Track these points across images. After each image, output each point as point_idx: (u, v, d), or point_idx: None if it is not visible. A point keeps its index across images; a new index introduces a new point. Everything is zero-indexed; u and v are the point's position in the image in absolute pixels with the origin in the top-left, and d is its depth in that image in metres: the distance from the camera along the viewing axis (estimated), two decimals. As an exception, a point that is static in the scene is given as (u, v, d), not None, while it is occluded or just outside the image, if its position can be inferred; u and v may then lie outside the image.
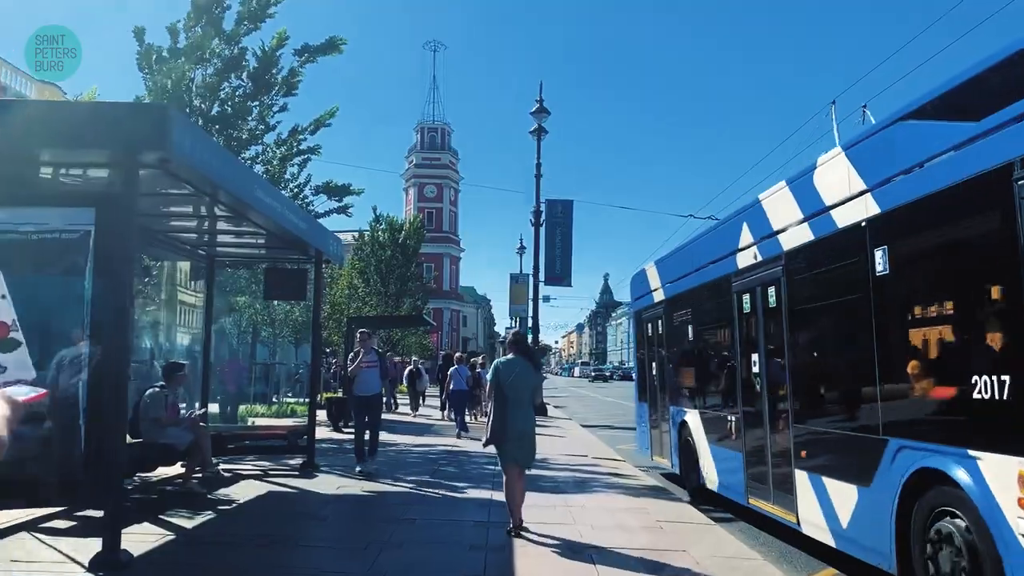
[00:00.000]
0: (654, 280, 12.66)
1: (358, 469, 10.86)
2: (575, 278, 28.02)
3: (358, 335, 11.62)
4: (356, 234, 44.08)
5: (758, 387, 8.26)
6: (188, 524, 7.59)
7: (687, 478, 10.74)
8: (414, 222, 46.03)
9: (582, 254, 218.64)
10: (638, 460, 14.37)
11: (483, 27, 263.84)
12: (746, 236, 8.70)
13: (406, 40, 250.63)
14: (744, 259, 8.69)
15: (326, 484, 10.20)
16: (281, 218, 8.84)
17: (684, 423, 10.76)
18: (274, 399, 24.73)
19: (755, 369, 8.36)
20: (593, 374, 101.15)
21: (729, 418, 9.15)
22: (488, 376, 8.00)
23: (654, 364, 12.83)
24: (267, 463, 11.63)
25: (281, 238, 9.99)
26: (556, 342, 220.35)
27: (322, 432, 17.11)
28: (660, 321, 12.20)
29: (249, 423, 17.62)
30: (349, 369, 11.60)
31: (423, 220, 49.33)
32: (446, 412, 23.14)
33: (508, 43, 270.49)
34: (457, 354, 23.59)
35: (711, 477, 9.78)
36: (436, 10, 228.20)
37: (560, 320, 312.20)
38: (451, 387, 19.13)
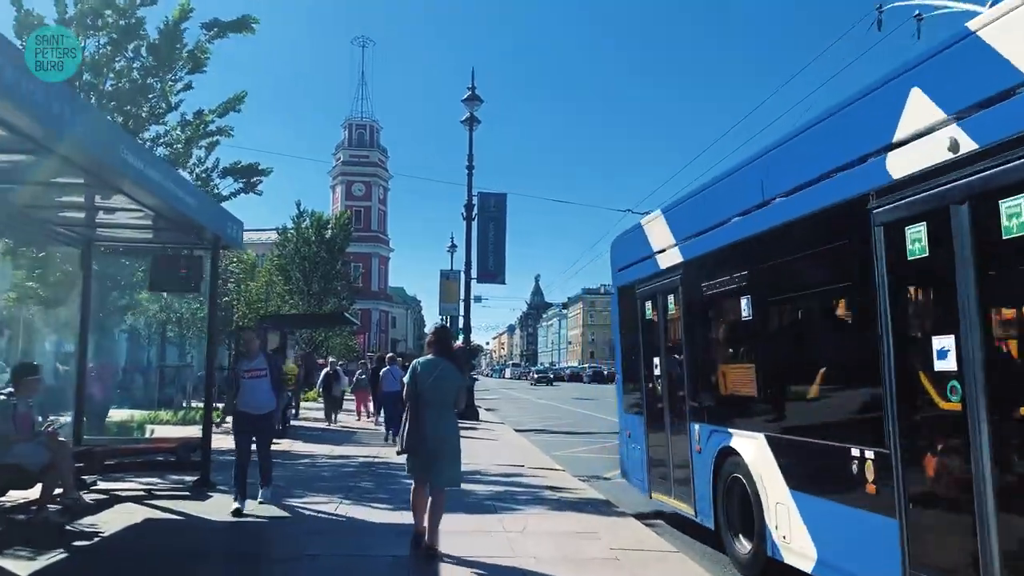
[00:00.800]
0: (661, 238, 8.93)
1: (260, 500, 8.98)
2: (507, 278, 26.75)
3: (243, 337, 9.37)
4: (278, 232, 42.16)
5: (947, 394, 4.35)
6: (23, 570, 5.98)
7: (732, 538, 7.07)
8: (340, 218, 44.27)
9: (515, 255, 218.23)
10: (577, 469, 13.16)
11: (412, 24, 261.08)
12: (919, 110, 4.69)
13: (332, 33, 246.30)
14: (917, 155, 4.64)
15: (219, 508, 8.65)
16: (162, 191, 7.29)
17: (730, 454, 7.02)
18: (184, 404, 22.82)
19: (944, 363, 4.36)
20: (536, 376, 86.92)
21: (856, 453, 5.10)
22: (405, 377, 6.98)
23: (657, 360, 8.99)
24: (157, 480, 10.02)
25: (169, 218, 8.43)
26: (487, 343, 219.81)
27: (229, 442, 15.45)
28: (673, 296, 8.51)
29: (148, 433, 15.86)
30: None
31: (351, 217, 47.33)
32: (377, 416, 22.61)
33: (438, 41, 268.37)
34: (390, 354, 22.29)
35: (799, 548, 5.86)
36: (363, 5, 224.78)
37: (491, 321, 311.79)
38: (383, 388, 18.00)
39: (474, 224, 24.72)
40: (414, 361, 7.08)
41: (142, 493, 9.17)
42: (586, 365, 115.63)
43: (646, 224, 9.50)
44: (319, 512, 8.62)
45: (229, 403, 8.93)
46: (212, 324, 9.56)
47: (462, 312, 25.28)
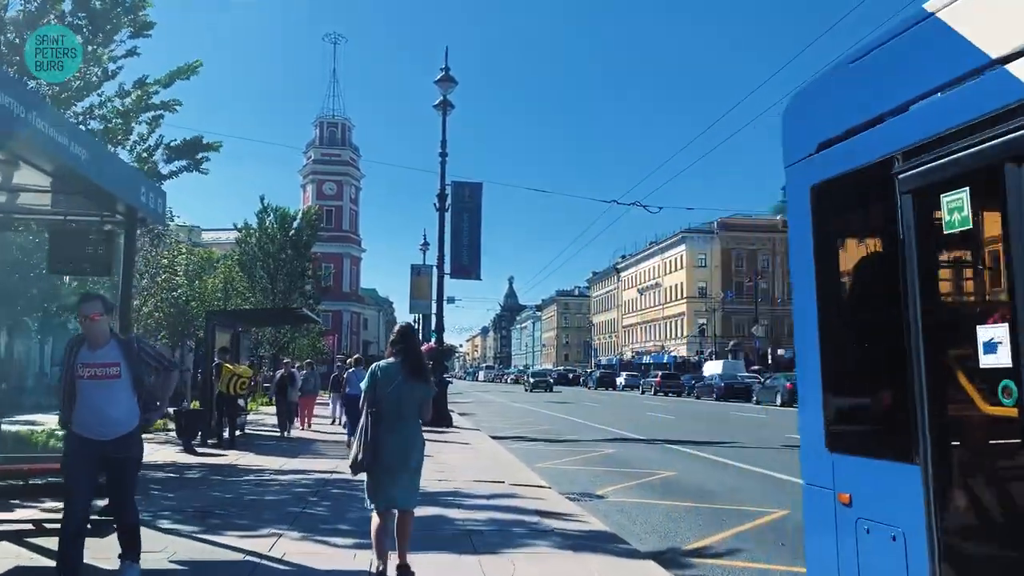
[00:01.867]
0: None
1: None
2: (481, 279, 24.95)
3: (81, 311, 5.58)
4: (237, 228, 40.12)
5: None
6: None
7: None
8: (308, 214, 42.23)
9: (489, 256, 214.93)
10: (564, 485, 11.49)
11: (385, 18, 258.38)
12: None
13: (304, 30, 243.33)
14: None
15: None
16: (46, 142, 5.51)
17: None
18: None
19: None
20: (532, 380, 73.34)
21: None
22: (363, 383, 5.99)
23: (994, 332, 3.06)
24: (58, 504, 8.18)
25: (63, 180, 6.64)
26: (460, 345, 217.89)
27: (165, 454, 13.61)
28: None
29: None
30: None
31: (319, 214, 45.33)
32: (340, 421, 21.12)
33: (411, 38, 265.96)
34: (355, 356, 20.52)
35: None
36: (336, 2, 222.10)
37: (464, 323, 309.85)
38: (346, 391, 16.57)
39: (447, 215, 23.00)
40: (374, 365, 6.08)
41: (29, 527, 7.33)
42: (565, 368, 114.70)
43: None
44: (256, 548, 6.81)
45: (64, 416, 5.53)
46: (125, 316, 7.74)
47: (435, 310, 23.52)
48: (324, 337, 59.43)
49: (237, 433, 16.52)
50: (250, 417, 21.42)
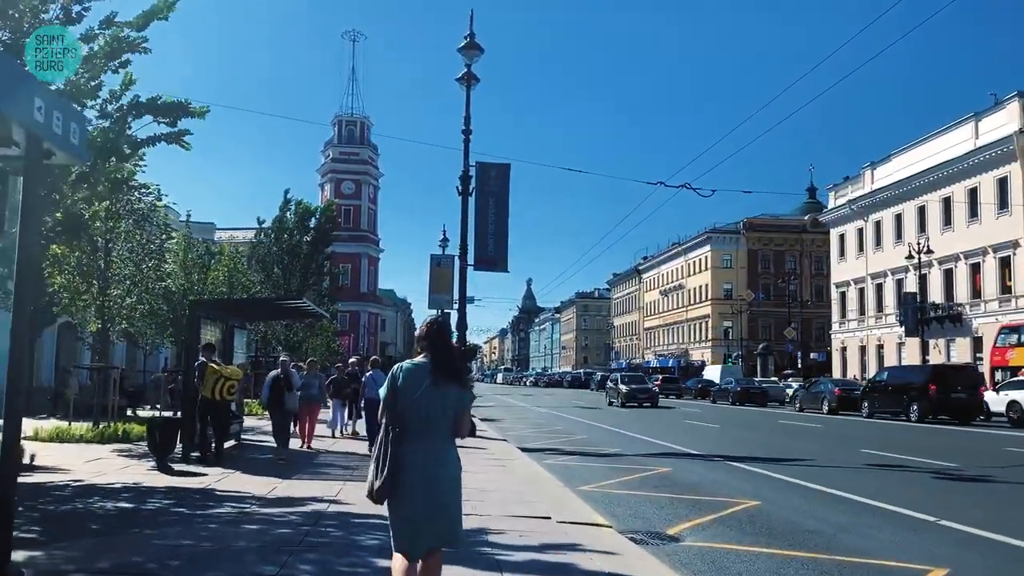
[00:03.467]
0: None
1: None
2: (500, 280, 22.29)
3: None
4: (258, 221, 38.08)
5: None
6: None
7: None
8: (328, 208, 40.15)
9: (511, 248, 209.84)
10: (624, 518, 9.11)
11: (406, 13, 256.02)
12: None
13: (321, 27, 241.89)
14: None
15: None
16: None
17: None
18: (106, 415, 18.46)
19: None
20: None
21: None
22: (382, 389, 4.63)
23: None
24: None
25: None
26: (479, 347, 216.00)
27: (132, 473, 11.21)
28: None
29: (28, 459, 11.62)
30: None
31: (336, 210, 43.20)
32: (352, 428, 19.58)
33: (435, 30, 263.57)
34: (373, 357, 18.37)
35: None
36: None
37: (482, 324, 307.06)
38: (365, 394, 14.93)
39: (470, 200, 20.53)
40: (395, 366, 4.73)
41: None
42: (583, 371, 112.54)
43: None
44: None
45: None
46: (21, 288, 5.38)
47: (457, 306, 21.04)
48: (339, 337, 57.23)
49: (229, 444, 14.16)
50: (250, 423, 19.02)
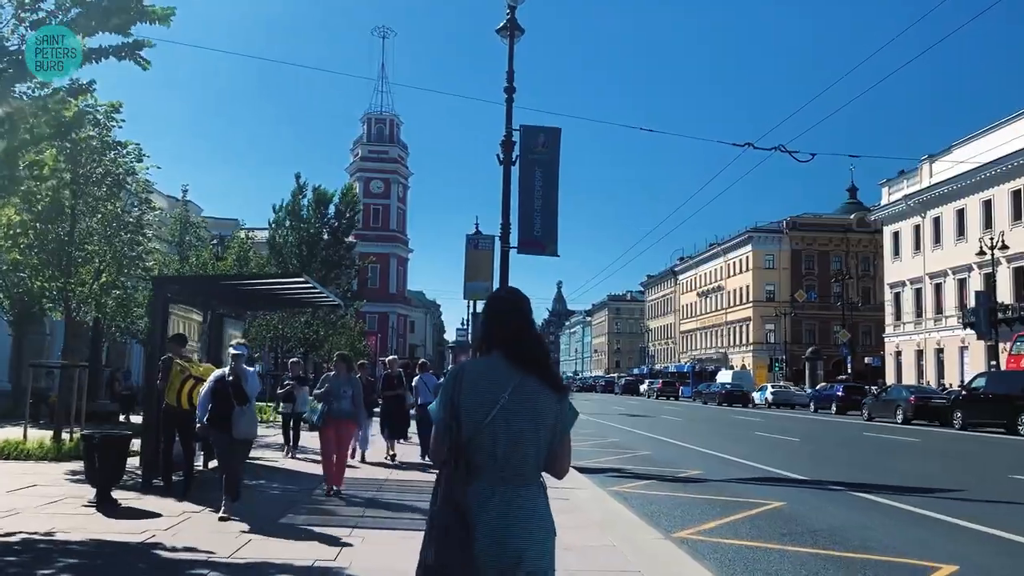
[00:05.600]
0: None
1: None
2: (529, 282, 18.25)
3: None
4: (274, 209, 35.09)
5: None
6: None
7: None
8: (347, 194, 36.94)
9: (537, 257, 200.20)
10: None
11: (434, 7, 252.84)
12: None
13: (350, 23, 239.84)
14: None
15: None
16: None
17: None
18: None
19: None
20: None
21: None
22: (435, 402, 2.93)
23: None
24: None
25: None
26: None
27: (57, 513, 8.03)
28: None
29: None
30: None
31: (366, 209, 40.05)
32: (390, 450, 14.80)
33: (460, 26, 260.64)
34: (421, 360, 16.71)
35: None
36: None
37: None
38: (417, 401, 14.43)
39: (513, 170, 17.26)
40: (455, 366, 3.38)
41: None
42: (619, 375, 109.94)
43: None
44: None
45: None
46: None
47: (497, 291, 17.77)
48: (366, 337, 54.29)
49: (203, 467, 11.03)
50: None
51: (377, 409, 15.08)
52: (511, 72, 17.32)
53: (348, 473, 10.87)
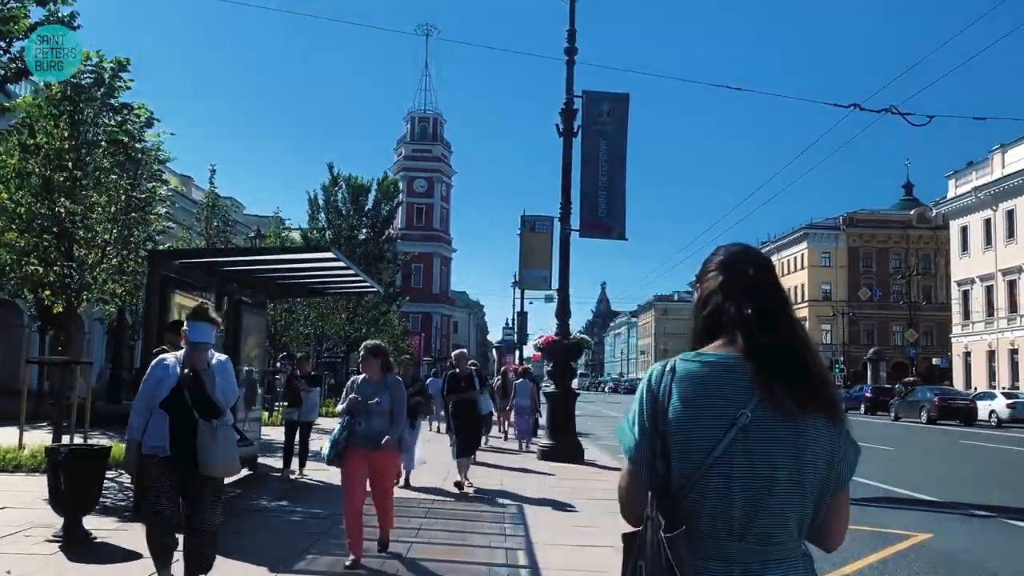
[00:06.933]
0: None
1: None
2: (570, 282, 15.00)
3: None
4: (310, 200, 33.45)
5: None
6: None
7: None
8: (385, 183, 35.14)
9: (581, 257, 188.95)
10: None
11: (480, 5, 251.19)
12: None
13: (392, 21, 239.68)
14: None
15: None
16: None
17: None
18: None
19: None
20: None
21: None
22: (623, 428, 1.89)
23: None
24: None
25: None
26: (589, 340, 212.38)
27: (9, 550, 6.12)
28: None
29: None
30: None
31: (396, 183, 38.13)
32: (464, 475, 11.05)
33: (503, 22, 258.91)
34: (525, 367, 17.10)
35: None
36: None
37: (550, 326, 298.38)
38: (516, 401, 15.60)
39: (575, 142, 15.22)
40: (657, 367, 1.91)
41: None
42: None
43: None
44: None
45: None
46: None
47: (556, 284, 15.56)
48: (409, 337, 52.56)
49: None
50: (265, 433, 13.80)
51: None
52: (572, 31, 15.31)
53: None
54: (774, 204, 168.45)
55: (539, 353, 53.77)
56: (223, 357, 5.43)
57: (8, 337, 23.21)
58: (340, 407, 6.72)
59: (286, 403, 11.67)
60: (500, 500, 9.90)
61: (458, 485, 10.53)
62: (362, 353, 6.84)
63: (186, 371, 5.09)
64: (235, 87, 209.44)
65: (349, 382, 6.94)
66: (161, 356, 5.44)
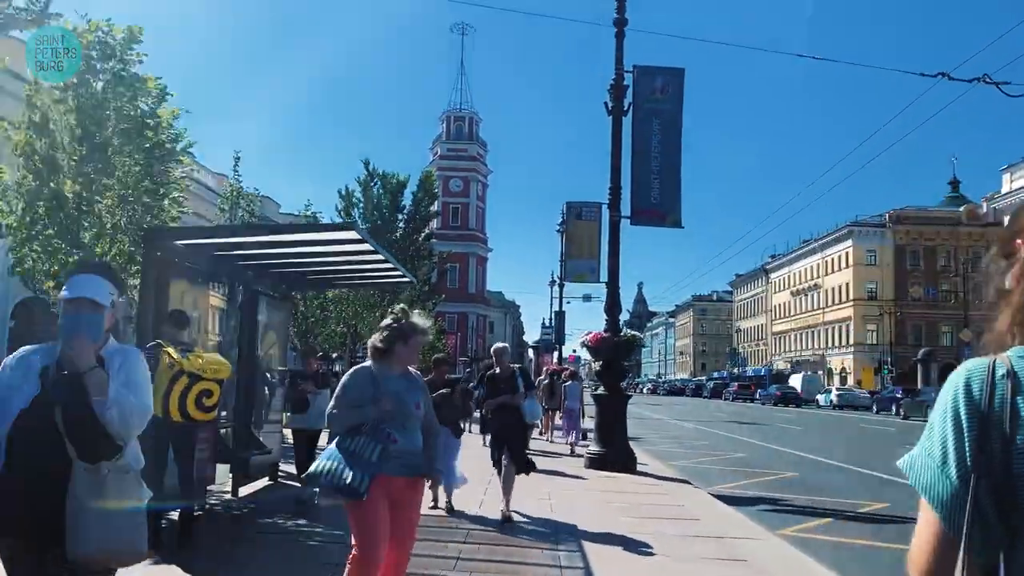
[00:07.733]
0: None
1: None
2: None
3: None
4: (340, 196, 32.45)
5: None
6: None
7: None
8: (426, 180, 34.06)
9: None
10: None
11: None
12: None
13: (430, 20, 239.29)
14: None
15: None
16: None
17: None
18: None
19: None
20: None
21: None
22: (925, 447, 1.31)
23: None
24: None
25: None
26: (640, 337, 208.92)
27: None
28: None
29: None
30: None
31: (434, 179, 36.96)
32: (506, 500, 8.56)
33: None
34: (566, 367, 16.67)
35: None
36: None
37: (583, 326, 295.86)
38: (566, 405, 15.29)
39: (625, 120, 13.98)
40: (992, 363, 1.25)
41: None
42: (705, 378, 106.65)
43: None
44: None
45: None
46: None
47: (606, 277, 14.29)
48: (446, 336, 51.51)
49: (232, 493, 8.04)
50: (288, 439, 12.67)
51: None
52: (622, 2, 14.06)
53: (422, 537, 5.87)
54: (820, 202, 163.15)
55: (574, 353, 52.36)
56: (129, 347, 3.31)
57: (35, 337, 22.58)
58: (333, 410, 4.52)
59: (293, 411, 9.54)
60: (549, 528, 8.06)
61: (506, 518, 8.14)
62: (375, 340, 4.59)
63: (63, 372, 2.87)
64: (274, 89, 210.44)
65: (349, 374, 4.62)
66: (26, 347, 3.06)
